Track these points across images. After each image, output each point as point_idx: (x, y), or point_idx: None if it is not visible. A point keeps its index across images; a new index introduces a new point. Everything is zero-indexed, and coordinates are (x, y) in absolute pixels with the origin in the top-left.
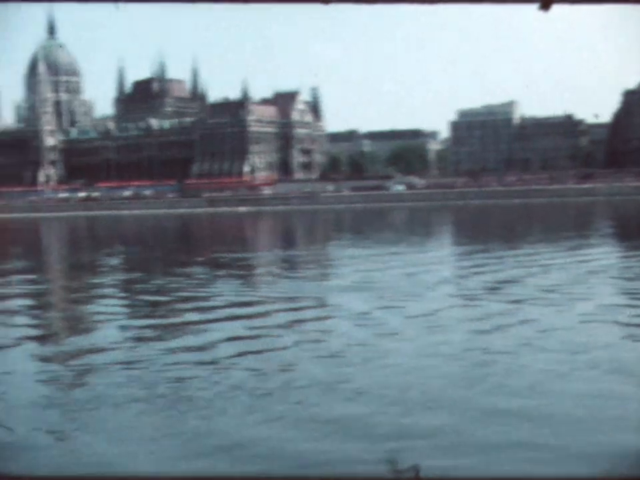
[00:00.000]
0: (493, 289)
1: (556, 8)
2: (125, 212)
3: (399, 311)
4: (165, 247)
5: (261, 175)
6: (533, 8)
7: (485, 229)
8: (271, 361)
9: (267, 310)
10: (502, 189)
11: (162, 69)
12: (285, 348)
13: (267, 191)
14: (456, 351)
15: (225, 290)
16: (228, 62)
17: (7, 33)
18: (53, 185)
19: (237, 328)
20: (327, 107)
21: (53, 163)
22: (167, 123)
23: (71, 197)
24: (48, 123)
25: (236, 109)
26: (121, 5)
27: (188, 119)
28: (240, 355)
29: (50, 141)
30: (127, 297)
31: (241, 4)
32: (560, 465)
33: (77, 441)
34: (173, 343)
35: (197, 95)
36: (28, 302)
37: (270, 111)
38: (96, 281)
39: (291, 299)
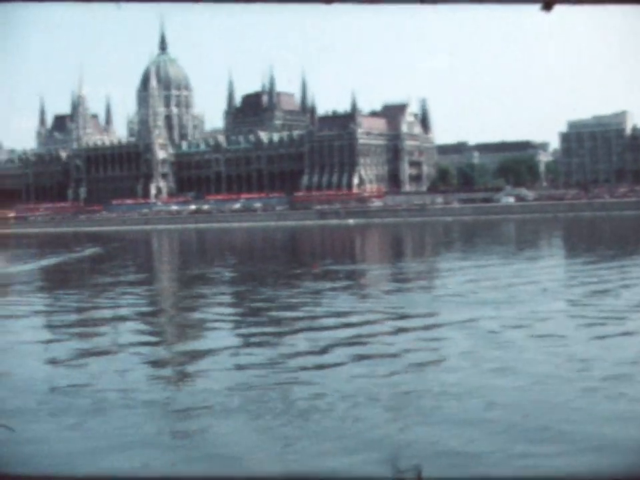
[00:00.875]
0: (594, 300)
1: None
2: (235, 224)
3: (495, 322)
4: (275, 259)
5: (370, 187)
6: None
7: (596, 241)
8: (379, 370)
9: (372, 319)
10: (613, 200)
11: (271, 82)
12: (390, 355)
13: (376, 203)
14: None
15: (334, 301)
16: (336, 75)
17: (119, 50)
18: (163, 198)
19: (341, 337)
20: (435, 119)
21: (164, 175)
22: (276, 136)
23: (181, 210)
24: (159, 137)
25: (345, 121)
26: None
27: (297, 132)
28: (346, 362)
29: (161, 154)
30: (237, 306)
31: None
32: None
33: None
34: (281, 350)
35: (306, 108)
36: (142, 309)
37: (379, 124)
38: (207, 290)
39: (396, 310)
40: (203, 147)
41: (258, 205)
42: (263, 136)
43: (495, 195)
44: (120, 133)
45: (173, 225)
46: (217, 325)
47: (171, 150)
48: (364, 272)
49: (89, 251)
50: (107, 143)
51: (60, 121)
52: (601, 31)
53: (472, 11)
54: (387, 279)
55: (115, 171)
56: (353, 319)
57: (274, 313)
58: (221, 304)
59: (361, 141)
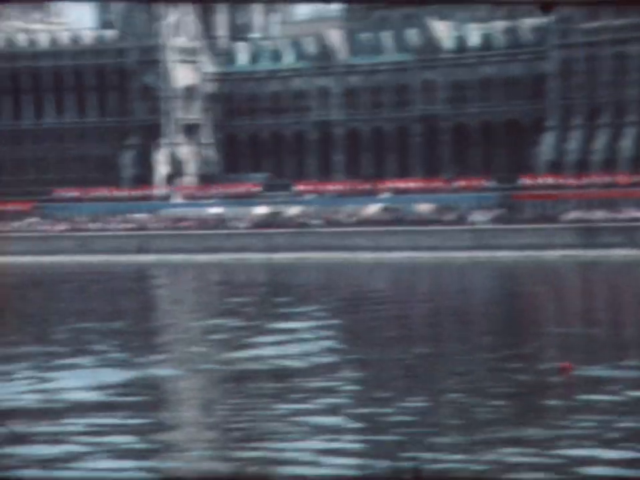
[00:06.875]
0: None
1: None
2: (367, 255)
3: None
4: (468, 342)
5: None
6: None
7: None
8: None
9: None
10: None
11: None
12: None
13: None
14: None
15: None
16: None
17: None
18: (187, 187)
19: None
20: None
21: (189, 129)
22: (476, 33)
23: (232, 218)
24: (177, 32)
25: None
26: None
27: (529, 21)
28: None
29: (183, 78)
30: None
31: None
32: None
33: None
34: None
35: None
36: None
37: None
38: None
39: None
40: (291, 59)
41: (425, 206)
42: (441, 32)
43: None
44: (78, 17)
45: (207, 255)
46: None
47: (208, 67)
48: None
49: None
50: (46, 41)
51: None
52: None
53: None
54: None
55: (64, 115)
56: None
57: None
58: None
59: None
